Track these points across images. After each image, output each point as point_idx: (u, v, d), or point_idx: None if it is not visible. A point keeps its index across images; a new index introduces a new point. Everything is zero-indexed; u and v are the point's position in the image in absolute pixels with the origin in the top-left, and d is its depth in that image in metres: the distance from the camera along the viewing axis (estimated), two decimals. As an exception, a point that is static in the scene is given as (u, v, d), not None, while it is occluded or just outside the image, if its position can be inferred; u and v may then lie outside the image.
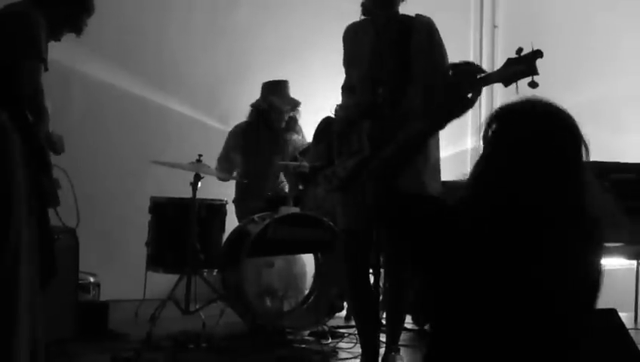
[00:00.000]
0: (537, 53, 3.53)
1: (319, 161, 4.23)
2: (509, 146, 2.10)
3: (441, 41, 4.01)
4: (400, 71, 3.85)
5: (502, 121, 2.15)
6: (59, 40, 3.97)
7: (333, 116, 4.19)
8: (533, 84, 3.53)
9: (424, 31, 3.99)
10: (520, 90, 3.55)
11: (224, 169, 5.95)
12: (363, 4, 4.06)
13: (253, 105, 6.00)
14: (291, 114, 5.96)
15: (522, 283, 1.90)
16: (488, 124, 2.14)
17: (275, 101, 5.89)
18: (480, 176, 2.10)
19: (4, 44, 3.62)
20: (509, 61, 3.60)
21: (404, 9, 4.02)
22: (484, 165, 2.11)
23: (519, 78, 3.57)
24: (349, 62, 4.18)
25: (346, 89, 4.21)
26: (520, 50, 3.55)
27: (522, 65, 3.53)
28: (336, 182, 4.07)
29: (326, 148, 4.17)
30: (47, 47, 3.73)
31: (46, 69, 3.70)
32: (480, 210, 2.00)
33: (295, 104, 5.93)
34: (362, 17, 4.09)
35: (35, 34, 3.65)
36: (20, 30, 3.64)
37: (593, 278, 2.09)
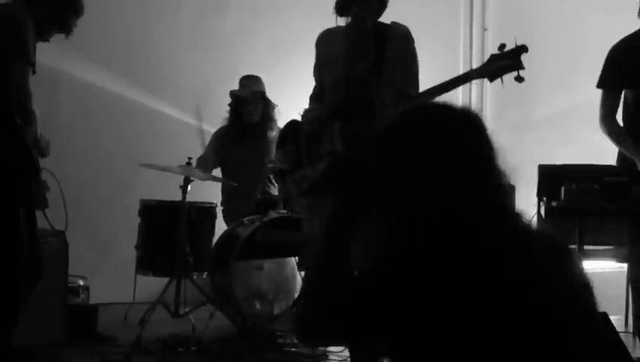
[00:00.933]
0: (522, 48, 3.55)
1: (287, 164, 4.17)
2: (413, 150, 1.92)
3: (416, 51, 3.99)
4: (373, 75, 3.82)
5: (398, 130, 2.02)
6: (47, 41, 3.96)
7: (300, 119, 4.16)
8: (519, 78, 3.55)
9: (400, 39, 3.97)
10: (505, 87, 3.56)
11: (201, 169, 5.91)
12: (338, 2, 3.98)
13: (228, 104, 6.04)
14: (262, 111, 5.95)
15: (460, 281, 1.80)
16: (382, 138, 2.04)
17: (235, 91, 5.91)
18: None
19: None
20: (493, 57, 3.62)
21: (393, 11, 4.00)
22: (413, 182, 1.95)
23: (504, 73, 3.59)
24: (321, 65, 4.13)
25: (315, 98, 4.17)
26: (503, 45, 3.56)
27: (507, 60, 3.54)
28: (306, 186, 4.03)
29: (293, 150, 4.12)
30: (35, 50, 3.71)
31: (34, 72, 3.68)
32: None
33: (258, 93, 5.92)
34: (338, 21, 4.06)
35: (24, 37, 3.63)
36: (8, 33, 3.62)
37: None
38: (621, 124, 4.30)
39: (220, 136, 6.08)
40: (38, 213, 3.86)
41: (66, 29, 3.98)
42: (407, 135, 1.94)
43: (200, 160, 5.91)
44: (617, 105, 4.27)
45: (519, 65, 3.51)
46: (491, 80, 3.64)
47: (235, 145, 6.02)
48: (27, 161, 3.63)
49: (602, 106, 4.27)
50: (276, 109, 5.99)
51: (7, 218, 3.56)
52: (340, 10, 3.98)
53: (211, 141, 6.14)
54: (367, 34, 3.85)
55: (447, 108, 1.98)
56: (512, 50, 3.52)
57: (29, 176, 3.65)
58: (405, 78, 3.93)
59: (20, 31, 3.64)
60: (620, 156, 4.29)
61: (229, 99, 6.07)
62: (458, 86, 3.77)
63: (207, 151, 6.07)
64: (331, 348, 4.92)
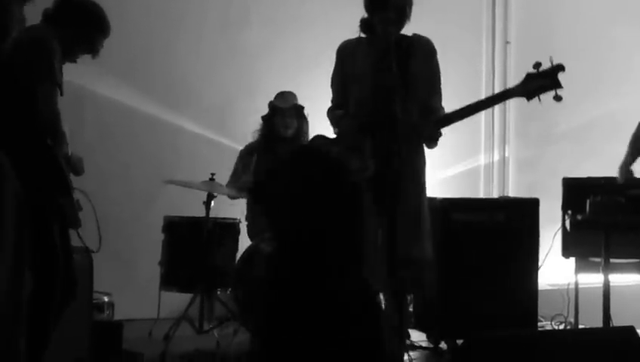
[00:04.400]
0: (559, 67, 3.54)
1: None
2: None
3: (438, 62, 4.00)
4: (398, 91, 3.83)
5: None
6: (75, 61, 3.99)
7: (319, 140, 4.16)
8: (557, 98, 3.55)
9: (422, 51, 3.98)
10: (544, 103, 3.54)
11: (234, 187, 5.91)
12: (363, 21, 4.03)
13: (262, 117, 6.01)
14: (297, 126, 5.94)
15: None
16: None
17: (275, 102, 5.89)
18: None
19: (21, 71, 3.64)
20: (530, 76, 3.61)
21: (415, 24, 4.01)
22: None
23: (543, 92, 3.59)
24: (341, 78, 4.14)
25: (337, 108, 4.17)
26: (538, 64, 3.55)
27: (545, 80, 3.54)
28: None
29: None
30: (62, 72, 3.74)
31: (62, 94, 3.71)
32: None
33: (298, 107, 5.91)
34: (360, 35, 4.07)
35: (50, 59, 3.66)
36: (35, 56, 3.65)
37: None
38: None
39: (250, 149, 6.03)
40: (72, 233, 3.87)
41: (93, 50, 4.01)
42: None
43: (233, 177, 5.90)
44: None
45: (557, 85, 3.51)
46: (529, 99, 3.64)
47: (265, 158, 6.00)
48: (59, 181, 3.65)
49: None
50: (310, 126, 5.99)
51: (43, 239, 3.57)
52: (364, 26, 4.01)
53: (241, 157, 6.09)
54: (391, 49, 3.86)
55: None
56: (549, 69, 3.52)
57: (62, 196, 3.67)
58: (430, 92, 3.94)
59: (46, 53, 3.66)
60: None
61: (252, 114, 6.06)
62: (495, 104, 3.79)
63: (238, 167, 6.03)
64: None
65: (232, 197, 5.77)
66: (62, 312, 3.75)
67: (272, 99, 5.94)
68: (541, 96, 3.59)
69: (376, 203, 3.81)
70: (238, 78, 7.01)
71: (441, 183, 7.17)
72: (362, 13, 4.03)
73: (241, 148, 6.17)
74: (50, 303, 3.63)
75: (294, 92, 6.02)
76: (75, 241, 3.97)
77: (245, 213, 6.08)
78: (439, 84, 4.02)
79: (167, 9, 6.84)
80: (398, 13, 3.90)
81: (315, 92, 5.90)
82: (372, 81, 3.95)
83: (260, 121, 5.98)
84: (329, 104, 4.26)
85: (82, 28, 3.93)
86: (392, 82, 3.79)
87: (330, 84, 4.24)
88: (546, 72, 3.52)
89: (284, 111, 5.85)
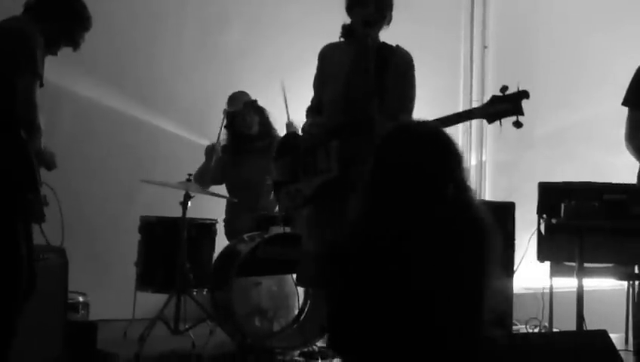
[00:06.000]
0: (523, 94, 3.55)
1: (282, 176, 4.20)
2: (383, 175, 2.30)
3: (414, 78, 4.01)
4: (373, 95, 3.84)
5: (378, 151, 2.38)
6: (55, 54, 3.99)
7: (299, 133, 4.18)
8: (517, 124, 3.55)
9: (402, 62, 3.99)
10: (503, 128, 3.57)
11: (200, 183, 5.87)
12: (344, 27, 4.05)
13: (224, 127, 6.01)
14: (260, 120, 5.94)
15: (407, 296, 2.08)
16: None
17: (228, 109, 5.89)
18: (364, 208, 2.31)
19: (1, 61, 3.63)
20: (494, 98, 3.62)
21: (395, 29, 4.03)
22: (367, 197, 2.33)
23: (503, 117, 3.60)
24: (321, 80, 4.17)
25: (313, 111, 4.19)
26: (505, 88, 3.56)
27: (507, 104, 3.55)
28: (299, 200, 4.04)
29: (290, 164, 4.14)
30: (43, 63, 3.74)
31: (41, 85, 3.70)
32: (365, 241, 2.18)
33: (250, 102, 5.92)
34: (341, 39, 4.09)
35: (32, 50, 3.66)
36: (16, 47, 3.65)
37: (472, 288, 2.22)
38: None
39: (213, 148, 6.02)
40: (35, 228, 3.86)
41: (74, 42, 4.02)
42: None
43: (197, 174, 5.88)
44: None
45: (519, 111, 3.52)
46: (490, 122, 3.65)
47: (236, 160, 6.01)
48: (28, 175, 3.64)
49: (628, 124, 4.28)
50: (271, 117, 6.00)
51: (5, 231, 3.56)
52: (345, 32, 4.02)
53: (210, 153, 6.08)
54: (369, 54, 3.87)
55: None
56: (513, 94, 3.53)
57: (29, 190, 3.66)
58: (400, 108, 3.93)
59: (27, 44, 3.66)
60: None
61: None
62: (458, 123, 3.81)
63: (208, 164, 6.01)
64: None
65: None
66: (23, 304, 3.73)
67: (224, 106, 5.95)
68: (502, 121, 3.61)
69: (337, 202, 3.81)
70: (217, 79, 6.99)
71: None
72: (341, 15, 4.04)
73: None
74: (13, 298, 3.61)
75: (273, 93, 6.02)
76: (38, 237, 3.95)
77: (225, 213, 6.08)
78: (411, 101, 4.02)
79: (147, 9, 6.82)
80: (378, 10, 3.91)
81: (296, 93, 5.92)
82: (346, 84, 3.96)
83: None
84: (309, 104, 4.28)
85: (63, 20, 3.94)
86: (367, 84, 3.80)
87: (312, 86, 4.26)
88: (509, 96, 3.53)
89: (239, 113, 5.87)
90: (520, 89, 3.52)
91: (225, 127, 5.92)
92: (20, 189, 3.62)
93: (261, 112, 5.99)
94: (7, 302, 3.57)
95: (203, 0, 7.10)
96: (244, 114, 5.93)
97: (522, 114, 3.51)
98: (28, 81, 3.63)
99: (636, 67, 4.43)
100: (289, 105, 5.61)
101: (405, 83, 3.99)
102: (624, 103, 4.30)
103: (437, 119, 3.70)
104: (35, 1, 3.93)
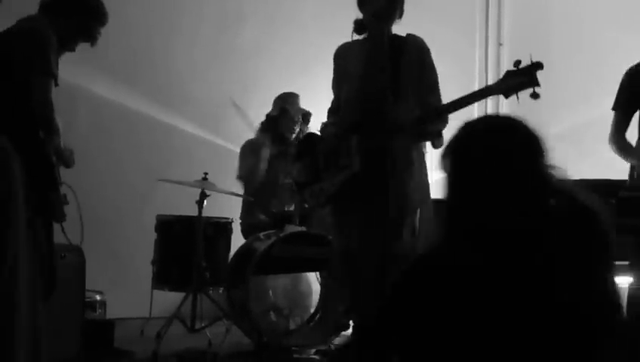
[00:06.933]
0: (537, 65, 3.55)
1: (304, 176, 4.21)
2: (468, 170, 2.05)
3: (432, 61, 4.01)
4: (390, 90, 3.84)
5: (458, 144, 2.09)
6: (73, 50, 4.00)
7: (318, 133, 4.20)
8: (534, 95, 3.55)
9: (415, 50, 3.99)
10: (521, 101, 3.56)
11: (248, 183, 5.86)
12: (357, 22, 4.06)
13: (266, 115, 6.00)
14: (300, 128, 5.94)
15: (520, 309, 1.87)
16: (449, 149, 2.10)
17: (286, 107, 5.89)
18: (449, 208, 2.08)
19: (16, 61, 3.65)
20: (508, 73, 3.63)
21: (409, 26, 4.03)
22: (449, 195, 2.07)
23: (520, 90, 3.60)
24: (339, 80, 4.18)
25: (334, 112, 4.20)
26: (518, 62, 3.57)
27: (522, 77, 3.55)
28: (323, 199, 4.06)
29: (311, 163, 4.15)
30: (57, 63, 3.75)
31: (56, 84, 3.72)
32: (456, 249, 1.97)
33: (305, 113, 5.92)
34: (355, 37, 4.10)
35: (45, 50, 3.67)
36: (30, 47, 3.67)
37: (604, 295, 1.99)
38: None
39: (252, 148, 5.98)
40: (55, 226, 3.88)
41: (91, 37, 4.03)
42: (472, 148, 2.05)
43: (243, 176, 5.89)
44: (627, 125, 4.28)
45: (535, 82, 3.51)
46: (507, 96, 3.65)
47: (266, 160, 5.98)
48: (47, 174, 3.67)
49: (613, 126, 4.28)
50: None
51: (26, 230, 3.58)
52: (357, 27, 4.03)
53: (245, 155, 6.07)
54: (384, 49, 3.87)
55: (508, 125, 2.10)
56: (527, 66, 3.52)
57: (49, 189, 3.68)
58: (426, 91, 3.95)
59: (41, 44, 3.68)
60: (632, 170, 4.28)
61: (248, 114, 6.07)
62: (475, 101, 3.79)
63: (250, 162, 6.00)
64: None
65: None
66: (45, 302, 3.75)
67: (276, 96, 5.95)
68: (519, 94, 3.60)
69: (361, 199, 3.83)
70: (233, 79, 7.02)
71: (434, 185, 7.18)
72: (356, 13, 4.05)
73: (234, 148, 6.17)
74: (33, 297, 3.63)
75: (281, 92, 6.04)
76: (59, 236, 3.98)
77: (240, 212, 6.09)
78: (436, 83, 4.03)
79: (164, 8, 6.85)
80: (389, 3, 3.91)
81: (312, 92, 5.94)
82: (362, 81, 3.97)
83: (263, 118, 5.98)
84: (325, 104, 4.29)
85: (79, 16, 3.95)
86: (382, 82, 3.81)
87: (331, 88, 4.27)
88: (524, 69, 3.53)
89: (294, 115, 5.88)
90: (533, 60, 3.51)
91: (269, 117, 5.93)
92: (40, 188, 3.65)
93: (305, 125, 5.98)
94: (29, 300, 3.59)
95: (219, 0, 7.12)
96: (295, 118, 5.92)
97: (538, 85, 3.51)
98: (43, 81, 3.65)
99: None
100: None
101: (425, 69, 3.99)
102: (614, 108, 4.30)
103: (454, 100, 3.71)
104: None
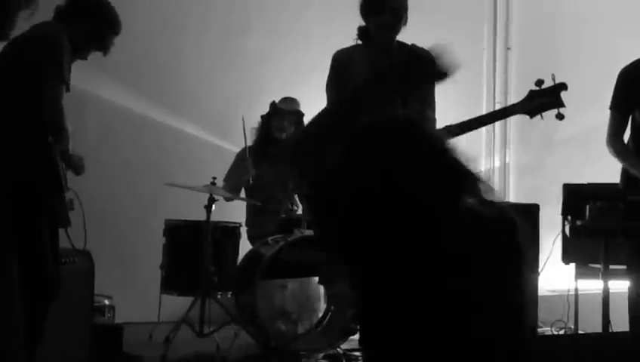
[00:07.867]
0: (561, 86, 3.56)
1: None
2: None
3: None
4: (394, 99, 3.84)
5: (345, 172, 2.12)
6: (85, 58, 4.02)
7: None
8: (560, 116, 3.56)
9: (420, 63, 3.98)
10: (545, 120, 3.54)
11: (228, 189, 5.89)
12: (361, 28, 4.05)
13: (261, 116, 6.03)
14: (293, 128, 5.95)
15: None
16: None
17: (277, 103, 5.91)
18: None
19: (29, 66, 3.66)
20: (532, 93, 3.63)
21: (416, 30, 4.02)
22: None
23: (545, 110, 3.60)
24: (336, 85, 4.16)
25: None
26: (541, 81, 3.57)
27: (548, 98, 3.55)
28: None
29: None
30: (69, 69, 3.76)
31: (68, 90, 3.73)
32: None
33: (297, 112, 5.93)
34: (357, 42, 4.09)
35: (58, 56, 3.68)
36: (43, 53, 3.68)
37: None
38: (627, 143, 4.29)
39: (243, 155, 6.04)
40: (60, 232, 3.89)
41: (104, 47, 4.05)
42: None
43: (226, 184, 5.91)
44: (625, 127, 4.27)
45: (560, 104, 3.52)
46: (531, 116, 3.65)
47: (262, 161, 6.01)
48: (53, 180, 3.68)
49: (610, 127, 4.28)
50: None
51: (32, 236, 3.59)
52: (361, 34, 4.03)
53: (236, 162, 6.12)
54: (387, 58, 3.88)
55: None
56: (552, 87, 3.53)
57: (54, 195, 3.69)
58: (423, 103, 3.93)
59: (55, 50, 3.69)
60: (624, 173, 4.28)
61: (254, 119, 6.09)
62: (498, 120, 3.80)
63: (232, 172, 6.05)
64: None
65: (228, 199, 5.77)
66: (46, 310, 3.76)
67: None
68: (543, 114, 3.60)
69: None
70: (240, 84, 7.03)
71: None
72: (359, 21, 4.05)
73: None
74: (39, 302, 3.64)
75: (296, 97, 6.05)
76: (64, 242, 3.99)
77: (246, 217, 6.10)
78: (432, 95, 4.02)
79: (170, 15, 6.88)
80: (393, 17, 3.92)
81: (316, 99, 5.94)
82: (366, 90, 3.96)
83: (259, 120, 6.02)
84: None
85: (94, 24, 3.97)
86: (385, 91, 3.81)
87: (325, 90, 4.25)
88: (548, 90, 3.54)
89: (284, 113, 5.89)
90: (556, 82, 3.52)
91: (262, 117, 5.96)
92: (46, 194, 3.66)
93: (299, 126, 5.97)
94: (34, 308, 3.60)
95: (225, 6, 7.13)
96: (285, 116, 5.94)
97: (564, 105, 3.52)
98: (54, 87, 3.66)
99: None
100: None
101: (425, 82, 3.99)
102: (611, 108, 4.30)
103: (473, 118, 3.69)
104: (66, 6, 3.96)
